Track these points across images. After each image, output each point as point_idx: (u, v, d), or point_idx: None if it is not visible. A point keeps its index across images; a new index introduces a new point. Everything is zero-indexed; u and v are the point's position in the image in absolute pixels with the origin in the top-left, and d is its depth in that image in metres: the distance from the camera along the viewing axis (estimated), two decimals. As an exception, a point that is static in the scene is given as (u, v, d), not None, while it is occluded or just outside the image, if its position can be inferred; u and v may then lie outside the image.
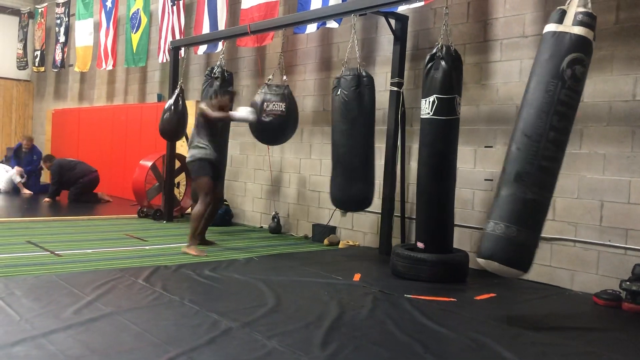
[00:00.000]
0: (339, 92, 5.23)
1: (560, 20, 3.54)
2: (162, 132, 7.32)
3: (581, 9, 3.52)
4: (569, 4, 3.58)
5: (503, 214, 3.46)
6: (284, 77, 6.29)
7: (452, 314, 3.72)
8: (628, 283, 4.01)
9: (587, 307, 4.12)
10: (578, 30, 3.49)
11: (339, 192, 5.36)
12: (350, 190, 5.29)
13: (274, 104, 5.86)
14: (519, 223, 3.43)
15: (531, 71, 3.66)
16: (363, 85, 5.19)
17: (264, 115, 5.87)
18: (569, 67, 3.47)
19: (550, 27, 3.57)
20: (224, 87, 6.61)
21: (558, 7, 3.63)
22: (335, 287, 4.29)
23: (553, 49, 3.51)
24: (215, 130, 5.71)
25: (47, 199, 8.96)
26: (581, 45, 3.51)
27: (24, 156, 10.44)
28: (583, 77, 3.56)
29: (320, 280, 4.49)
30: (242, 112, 5.73)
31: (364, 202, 5.43)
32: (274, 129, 6.02)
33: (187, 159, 5.68)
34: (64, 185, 9.16)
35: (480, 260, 3.51)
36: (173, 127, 7.16)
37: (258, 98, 5.98)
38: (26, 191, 10.15)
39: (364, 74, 5.27)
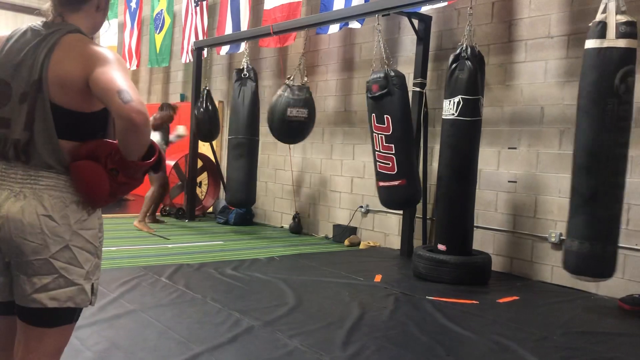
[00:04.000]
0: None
1: (602, 35, 3.51)
2: (197, 135, 7.64)
3: (621, 18, 3.49)
4: (604, 11, 3.53)
5: (585, 233, 3.65)
6: (305, 79, 6.31)
7: (474, 317, 3.69)
8: (655, 288, 3.95)
9: (613, 311, 4.06)
10: (624, 42, 3.49)
11: None
12: None
13: (297, 110, 6.00)
14: (603, 239, 3.65)
15: (581, 88, 3.67)
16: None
17: (289, 119, 6.02)
18: (622, 82, 3.51)
19: (594, 43, 3.55)
20: (256, 87, 6.83)
21: (597, 20, 3.56)
22: (357, 288, 4.28)
23: (602, 67, 3.52)
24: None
25: None
26: (630, 57, 3.53)
27: None
28: (633, 85, 3.61)
29: (341, 280, 4.49)
30: (179, 130, 7.14)
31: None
32: (295, 132, 6.24)
33: None
34: None
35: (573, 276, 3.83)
36: (206, 128, 7.44)
37: (281, 100, 5.99)
38: None
39: (392, 73, 5.25)
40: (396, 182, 5.24)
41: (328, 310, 3.63)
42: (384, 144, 5.23)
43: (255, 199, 7.05)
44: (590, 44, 3.58)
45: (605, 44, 3.51)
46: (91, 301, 1.68)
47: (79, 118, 1.62)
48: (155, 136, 6.66)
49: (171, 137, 7.11)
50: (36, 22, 1.72)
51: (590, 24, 3.66)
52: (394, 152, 5.19)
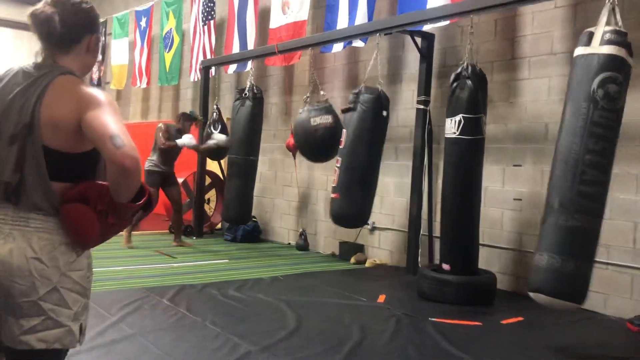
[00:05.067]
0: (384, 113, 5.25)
1: (588, 43, 3.47)
2: (208, 154, 7.61)
3: (609, 28, 3.45)
4: (597, 24, 3.51)
5: (547, 245, 3.38)
6: (322, 92, 6.21)
7: (476, 339, 3.64)
8: (663, 309, 3.87)
9: (620, 333, 3.98)
10: (607, 49, 3.42)
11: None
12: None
13: (320, 117, 5.68)
14: (563, 252, 3.31)
15: (565, 97, 3.62)
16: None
17: (314, 128, 5.65)
18: (600, 87, 3.39)
19: (579, 51, 3.52)
20: (256, 106, 6.77)
21: (585, 30, 3.56)
22: (359, 309, 4.25)
23: (582, 72, 3.46)
24: (167, 153, 6.66)
25: None
26: (612, 64, 3.43)
27: None
28: (619, 95, 3.47)
29: (344, 301, 4.47)
30: (184, 139, 6.67)
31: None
32: (325, 142, 5.69)
33: None
34: None
35: (530, 294, 3.43)
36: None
37: (302, 115, 5.81)
38: None
39: (364, 91, 5.27)
40: (333, 195, 5.36)
41: (328, 334, 3.60)
42: (337, 156, 5.39)
43: (249, 218, 7.07)
44: (577, 52, 3.55)
45: (589, 50, 3.46)
46: (79, 341, 1.68)
47: (71, 159, 1.64)
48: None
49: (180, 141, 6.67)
50: (28, 63, 1.74)
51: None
52: (338, 165, 5.31)
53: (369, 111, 5.20)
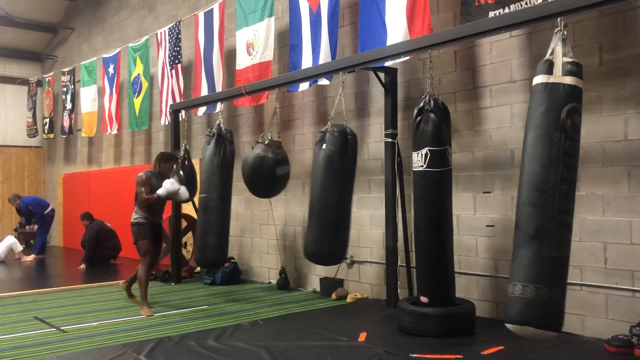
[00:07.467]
0: (323, 147, 5.09)
1: (549, 71, 3.54)
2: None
3: (567, 59, 3.54)
4: (552, 54, 3.60)
5: (529, 275, 3.34)
6: (277, 135, 6.27)
7: (457, 374, 3.63)
8: (638, 328, 3.91)
9: (599, 355, 4.01)
10: (570, 80, 3.50)
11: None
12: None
13: (283, 168, 5.96)
14: (548, 283, 3.32)
15: (527, 123, 3.62)
16: (349, 143, 5.13)
17: (277, 178, 5.93)
18: (568, 117, 3.46)
19: (541, 79, 3.57)
20: (227, 146, 6.62)
21: (544, 59, 3.64)
22: (340, 351, 4.22)
23: (549, 101, 3.49)
24: (152, 205, 5.97)
25: (82, 265, 9.21)
26: (575, 95, 3.53)
27: (25, 213, 10.66)
28: (580, 125, 3.58)
29: (324, 343, 4.43)
30: (166, 185, 5.85)
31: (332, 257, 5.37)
32: (281, 186, 6.17)
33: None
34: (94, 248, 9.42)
35: (512, 327, 3.41)
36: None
37: (266, 161, 5.80)
38: (27, 258, 10.28)
39: (348, 130, 5.19)
40: None
41: (308, 380, 3.56)
42: None
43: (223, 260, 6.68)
44: (538, 79, 3.58)
45: (552, 79, 3.52)
46: None
47: None
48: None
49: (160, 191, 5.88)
50: None
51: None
52: None
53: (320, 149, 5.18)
